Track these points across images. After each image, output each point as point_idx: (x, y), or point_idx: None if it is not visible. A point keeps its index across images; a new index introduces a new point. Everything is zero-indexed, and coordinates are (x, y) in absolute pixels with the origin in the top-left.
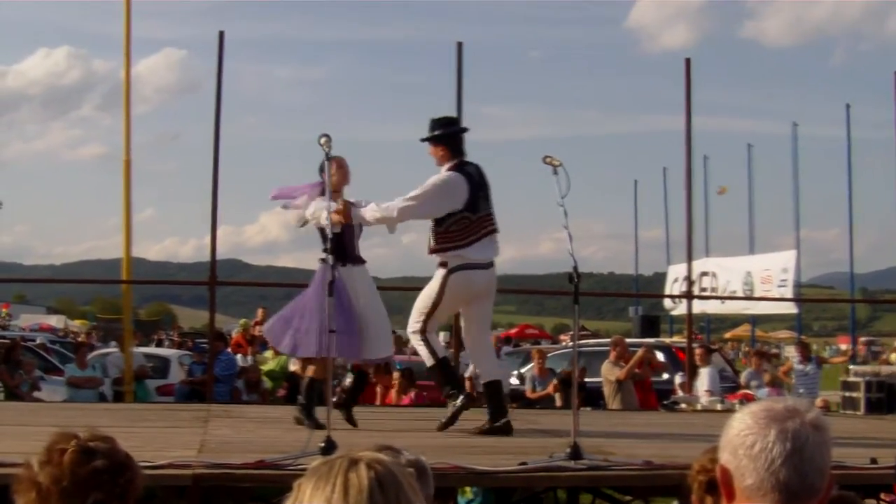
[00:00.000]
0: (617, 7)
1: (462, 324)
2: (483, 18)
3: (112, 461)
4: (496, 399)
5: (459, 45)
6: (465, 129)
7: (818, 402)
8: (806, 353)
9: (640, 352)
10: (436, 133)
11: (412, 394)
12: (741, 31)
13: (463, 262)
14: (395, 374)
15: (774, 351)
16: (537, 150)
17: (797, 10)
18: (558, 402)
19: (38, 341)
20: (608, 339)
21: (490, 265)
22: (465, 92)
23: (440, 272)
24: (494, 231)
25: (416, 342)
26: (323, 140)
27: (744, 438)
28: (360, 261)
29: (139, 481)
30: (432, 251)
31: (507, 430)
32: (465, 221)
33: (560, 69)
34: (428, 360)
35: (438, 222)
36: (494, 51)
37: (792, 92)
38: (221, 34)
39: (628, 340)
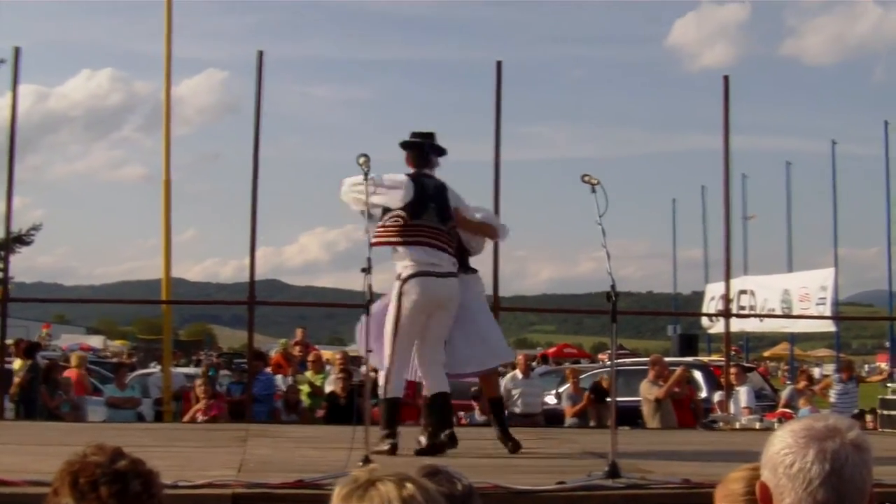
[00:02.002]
0: (658, 25)
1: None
2: (525, 38)
3: (144, 478)
4: (441, 412)
5: (499, 63)
6: (433, 146)
7: None
8: (850, 372)
9: (678, 371)
10: (403, 141)
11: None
12: (782, 49)
13: (412, 269)
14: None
15: (813, 369)
16: (577, 169)
17: (838, 28)
18: (591, 421)
19: None
20: (647, 358)
21: (448, 275)
22: (505, 111)
23: (395, 286)
24: (433, 244)
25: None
26: (361, 160)
27: (783, 457)
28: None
29: (161, 485)
30: (371, 245)
31: (450, 443)
32: (399, 220)
33: (601, 88)
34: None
35: (381, 215)
36: (536, 71)
37: (831, 110)
38: (261, 54)
39: (667, 359)
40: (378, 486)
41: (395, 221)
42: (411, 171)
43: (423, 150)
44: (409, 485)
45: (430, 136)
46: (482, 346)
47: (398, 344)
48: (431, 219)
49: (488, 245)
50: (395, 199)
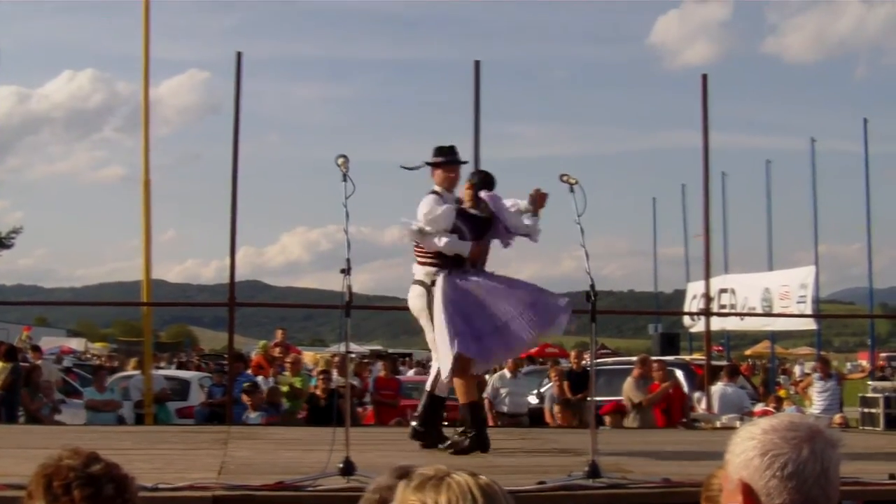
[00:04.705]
0: (640, 23)
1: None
2: (506, 38)
3: (117, 482)
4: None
5: (477, 63)
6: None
7: (837, 418)
8: (826, 370)
9: (667, 385)
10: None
11: None
12: (762, 47)
13: None
14: None
15: (795, 368)
16: (557, 167)
17: (819, 26)
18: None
19: (63, 363)
20: (625, 358)
21: None
22: (485, 110)
23: None
24: None
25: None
26: (340, 161)
27: (773, 459)
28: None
29: (136, 489)
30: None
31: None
32: None
33: (582, 87)
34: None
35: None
36: (519, 70)
37: (811, 108)
38: (239, 55)
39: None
40: (453, 476)
41: None
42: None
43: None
44: (482, 476)
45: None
46: None
47: None
48: None
49: None
50: None
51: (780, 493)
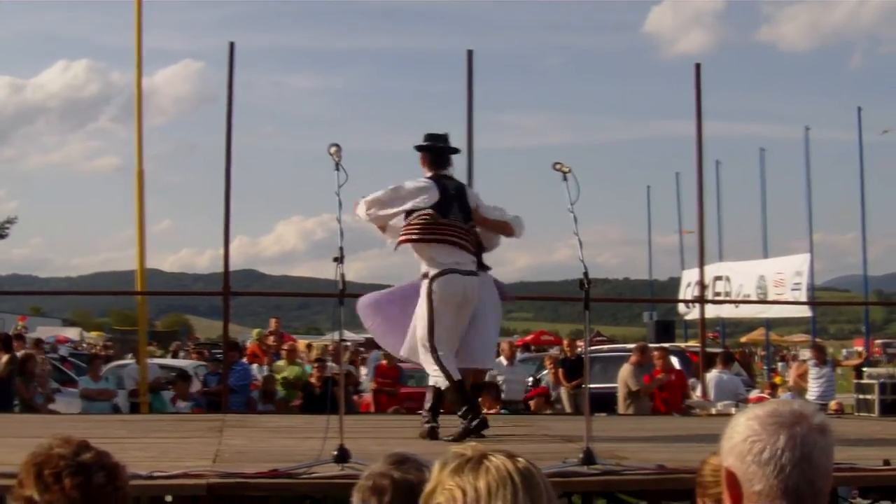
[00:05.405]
0: (635, 12)
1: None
2: (503, 27)
3: (108, 470)
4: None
5: (470, 52)
6: (446, 147)
7: (833, 404)
8: (821, 357)
9: (663, 377)
10: (420, 144)
11: None
12: (757, 35)
13: (440, 267)
14: None
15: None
16: (553, 156)
17: (814, 15)
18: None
19: (59, 353)
20: (621, 345)
21: (469, 273)
22: (478, 100)
23: (423, 285)
24: (458, 243)
25: (429, 365)
26: (333, 150)
27: (751, 445)
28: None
29: (127, 477)
30: (398, 244)
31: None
32: (429, 218)
33: (577, 76)
34: (442, 383)
35: (406, 216)
36: (514, 59)
37: (806, 96)
38: (232, 45)
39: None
40: (490, 458)
41: (424, 220)
42: (429, 173)
43: (440, 152)
44: (520, 458)
45: (444, 138)
46: (483, 345)
47: (438, 338)
48: (457, 218)
49: (502, 241)
50: (423, 201)
51: (760, 479)
